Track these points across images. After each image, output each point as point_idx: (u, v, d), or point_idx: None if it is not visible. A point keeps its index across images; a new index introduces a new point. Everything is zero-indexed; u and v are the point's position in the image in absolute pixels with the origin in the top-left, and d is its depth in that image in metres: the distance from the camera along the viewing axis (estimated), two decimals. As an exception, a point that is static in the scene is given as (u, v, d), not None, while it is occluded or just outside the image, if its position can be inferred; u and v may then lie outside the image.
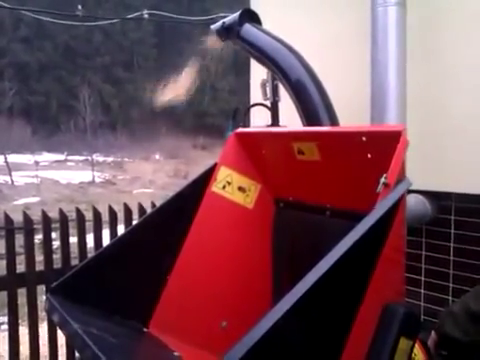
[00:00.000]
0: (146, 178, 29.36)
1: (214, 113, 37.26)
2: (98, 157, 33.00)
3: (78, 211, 3.40)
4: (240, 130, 2.06)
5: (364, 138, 1.48)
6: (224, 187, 2.03)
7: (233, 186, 2.04)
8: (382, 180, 1.31)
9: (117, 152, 33.58)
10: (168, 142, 35.25)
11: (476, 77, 2.74)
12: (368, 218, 1.23)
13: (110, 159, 33.25)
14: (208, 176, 2.03)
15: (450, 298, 3.08)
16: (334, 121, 2.54)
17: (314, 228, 1.91)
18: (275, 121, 3.35)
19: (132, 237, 1.93)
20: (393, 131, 1.38)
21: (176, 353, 1.67)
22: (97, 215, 3.45)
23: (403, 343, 1.32)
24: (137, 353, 1.64)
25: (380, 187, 1.31)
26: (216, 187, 2.02)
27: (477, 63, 2.74)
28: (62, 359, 3.45)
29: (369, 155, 1.51)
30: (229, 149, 2.04)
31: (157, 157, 35.12)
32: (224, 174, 2.03)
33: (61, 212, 3.34)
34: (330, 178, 1.73)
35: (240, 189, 2.05)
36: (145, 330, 1.91)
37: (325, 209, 1.84)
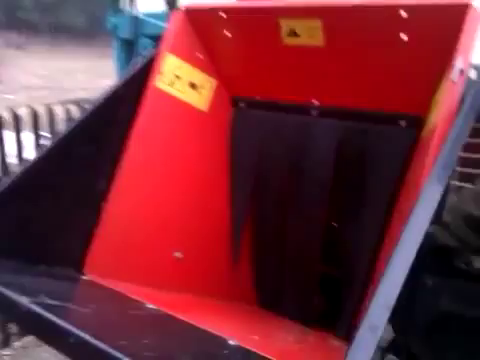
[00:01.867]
0: None
1: (28, 6, 32.31)
2: None
3: None
4: (192, 5, 1.53)
5: (404, 13, 1.15)
6: (172, 84, 1.53)
7: (183, 82, 1.55)
8: (459, 66, 1.01)
9: None
10: (-28, 39, 29.89)
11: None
12: (460, 118, 0.94)
13: None
14: (148, 67, 1.50)
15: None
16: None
17: (291, 132, 1.56)
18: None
19: (51, 158, 1.37)
20: (457, 4, 1.07)
21: (150, 305, 1.25)
22: None
23: None
24: (96, 315, 1.17)
25: (456, 74, 1.01)
26: (161, 82, 1.51)
27: None
28: None
29: (405, 37, 1.18)
30: (177, 32, 1.51)
31: (-40, 57, 29.73)
32: (171, 65, 1.52)
33: None
34: (332, 68, 1.36)
35: (192, 86, 1.57)
36: (82, 277, 1.43)
37: (310, 108, 1.50)
